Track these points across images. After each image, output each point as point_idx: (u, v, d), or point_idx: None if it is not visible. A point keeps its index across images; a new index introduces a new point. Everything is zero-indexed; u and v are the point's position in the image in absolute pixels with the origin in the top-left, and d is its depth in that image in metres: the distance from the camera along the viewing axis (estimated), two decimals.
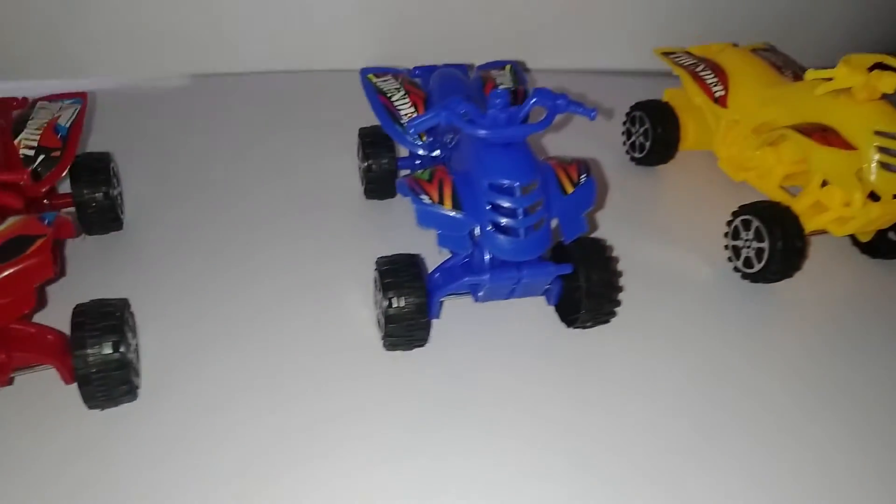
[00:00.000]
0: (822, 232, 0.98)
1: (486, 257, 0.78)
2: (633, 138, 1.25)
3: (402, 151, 1.06)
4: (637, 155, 1.24)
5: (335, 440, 0.74)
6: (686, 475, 0.72)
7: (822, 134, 0.94)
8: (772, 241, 0.93)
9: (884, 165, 0.92)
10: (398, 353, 0.83)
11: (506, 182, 0.74)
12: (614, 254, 0.87)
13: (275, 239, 1.03)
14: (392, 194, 1.07)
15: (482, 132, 0.74)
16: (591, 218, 1.08)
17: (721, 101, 1.12)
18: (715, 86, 1.12)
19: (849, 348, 0.90)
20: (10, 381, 0.74)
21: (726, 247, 1.01)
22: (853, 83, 0.92)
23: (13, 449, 0.72)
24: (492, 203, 0.75)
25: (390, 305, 0.78)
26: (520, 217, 0.74)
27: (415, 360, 0.83)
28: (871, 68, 0.95)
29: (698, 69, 1.15)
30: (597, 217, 1.10)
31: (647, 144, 1.21)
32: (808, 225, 0.96)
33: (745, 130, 1.10)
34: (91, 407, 0.73)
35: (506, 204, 0.74)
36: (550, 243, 0.78)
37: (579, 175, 0.80)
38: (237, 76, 1.46)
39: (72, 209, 0.95)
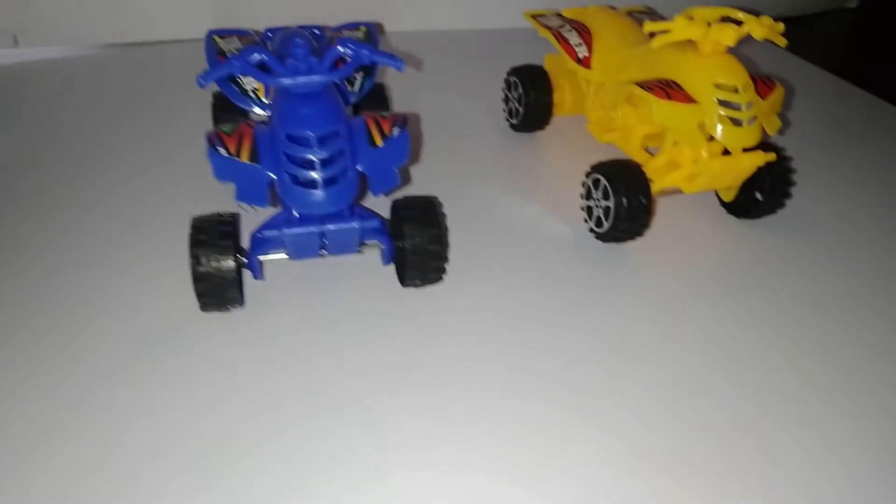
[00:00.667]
0: (677, 191, 0.97)
1: (295, 213, 0.76)
2: (509, 104, 1.23)
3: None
4: (513, 121, 1.22)
5: (139, 400, 0.72)
6: (512, 433, 0.70)
7: (665, 88, 0.92)
8: (616, 199, 0.91)
9: (731, 120, 0.90)
10: (216, 314, 0.81)
11: (302, 132, 0.72)
12: (478, 214, 0.85)
13: (122, 204, 1.01)
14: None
15: (278, 80, 0.72)
16: (406, 172, 1.07)
17: (585, 62, 1.10)
18: (578, 46, 1.10)
19: (699, 306, 0.89)
20: None
21: (581, 208, 0.99)
22: (691, 36, 0.90)
23: None
24: (288, 154, 0.72)
25: (198, 264, 0.76)
26: (317, 168, 0.72)
27: (232, 320, 0.81)
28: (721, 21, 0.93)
29: (563, 30, 1.13)
30: (467, 180, 1.09)
31: (521, 110, 1.19)
32: (660, 182, 0.95)
33: (610, 92, 1.08)
34: None
35: (302, 155, 0.72)
36: (354, 196, 0.76)
37: (392, 128, 0.78)
38: (97, 47, 1.44)
39: None
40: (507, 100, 1.24)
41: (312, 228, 0.75)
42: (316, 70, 0.73)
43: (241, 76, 0.95)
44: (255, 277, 0.82)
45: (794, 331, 0.85)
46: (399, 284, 0.87)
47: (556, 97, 1.19)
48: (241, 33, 1.03)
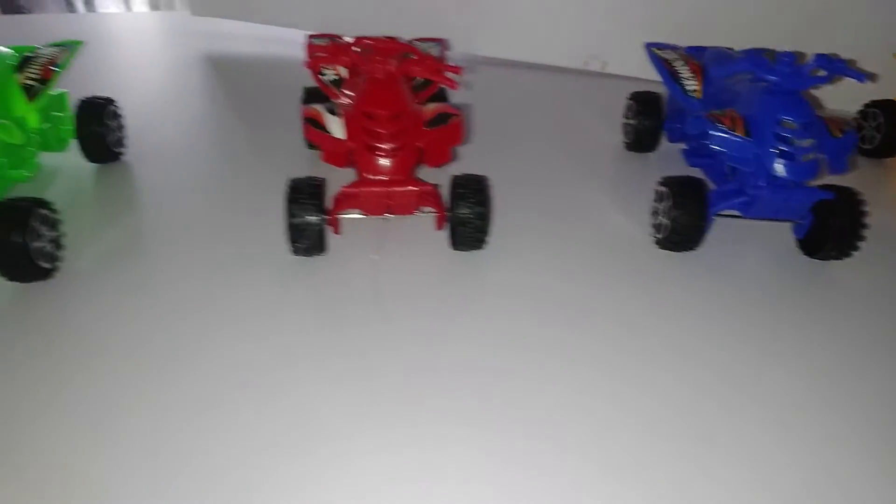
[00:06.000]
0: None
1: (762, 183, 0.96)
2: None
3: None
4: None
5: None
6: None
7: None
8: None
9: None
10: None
11: (791, 118, 0.95)
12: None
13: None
14: (651, 148, 1.31)
15: (775, 78, 0.97)
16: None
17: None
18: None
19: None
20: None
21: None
22: None
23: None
24: (777, 134, 0.95)
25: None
26: (798, 146, 0.94)
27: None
28: None
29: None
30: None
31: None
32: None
33: None
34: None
35: (789, 135, 0.94)
36: (818, 174, 0.96)
37: (843, 127, 0.99)
38: None
39: None
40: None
41: (784, 194, 0.95)
42: (799, 75, 0.97)
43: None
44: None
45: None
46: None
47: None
48: (670, 47, 1.26)
